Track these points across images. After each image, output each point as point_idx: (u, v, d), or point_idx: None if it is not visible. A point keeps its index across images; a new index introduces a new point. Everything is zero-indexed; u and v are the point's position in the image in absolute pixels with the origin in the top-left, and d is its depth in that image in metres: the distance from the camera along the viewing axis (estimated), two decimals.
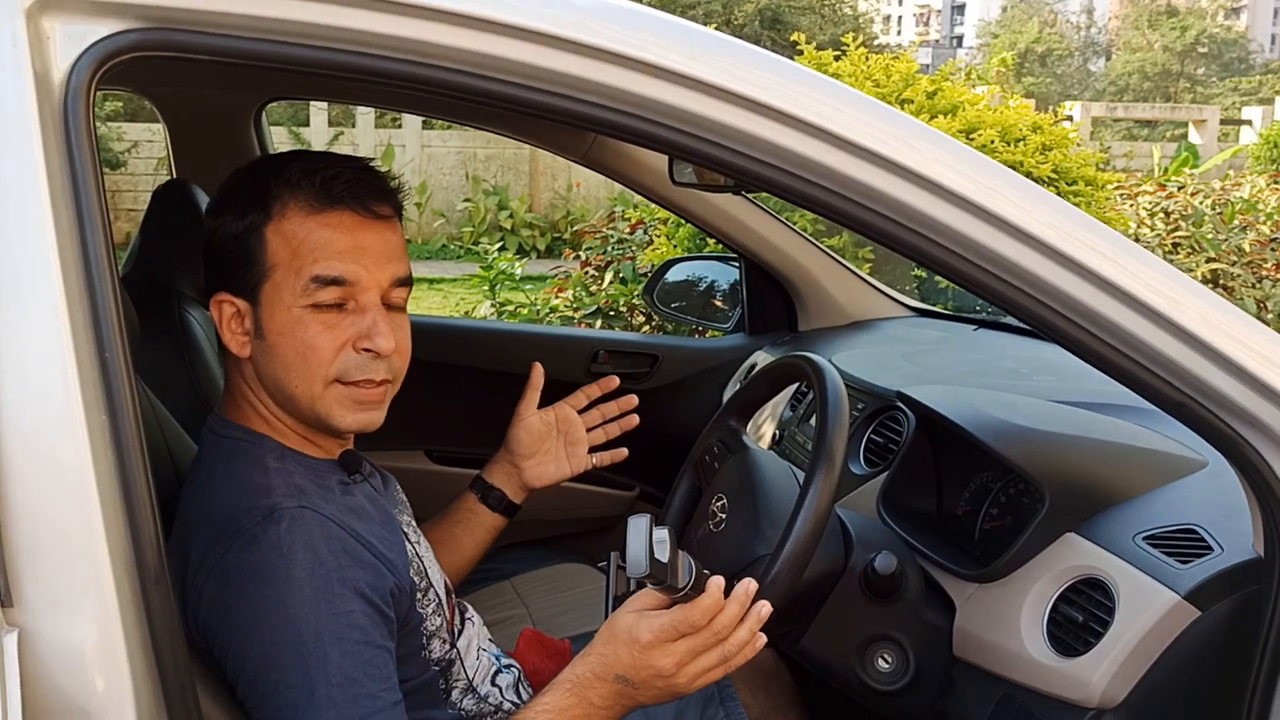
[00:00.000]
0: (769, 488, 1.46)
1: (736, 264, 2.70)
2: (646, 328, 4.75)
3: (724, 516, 1.46)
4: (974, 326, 2.38)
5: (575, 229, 7.11)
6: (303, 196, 1.23)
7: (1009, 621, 1.36)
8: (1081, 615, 1.29)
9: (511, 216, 11.83)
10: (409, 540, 1.32)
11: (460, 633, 1.40)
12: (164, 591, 0.99)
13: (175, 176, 2.30)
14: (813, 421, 1.99)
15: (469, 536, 1.59)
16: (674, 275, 2.82)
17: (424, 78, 1.05)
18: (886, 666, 1.43)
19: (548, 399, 2.66)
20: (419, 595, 1.30)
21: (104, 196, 1.01)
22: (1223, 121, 16.35)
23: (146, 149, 11.12)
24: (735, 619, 1.17)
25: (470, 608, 1.48)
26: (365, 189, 1.26)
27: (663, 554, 1.08)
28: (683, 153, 1.11)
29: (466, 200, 11.92)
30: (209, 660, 1.18)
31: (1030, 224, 1.11)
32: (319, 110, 11.84)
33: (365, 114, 12.06)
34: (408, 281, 1.29)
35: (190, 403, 1.60)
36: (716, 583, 1.17)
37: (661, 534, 1.08)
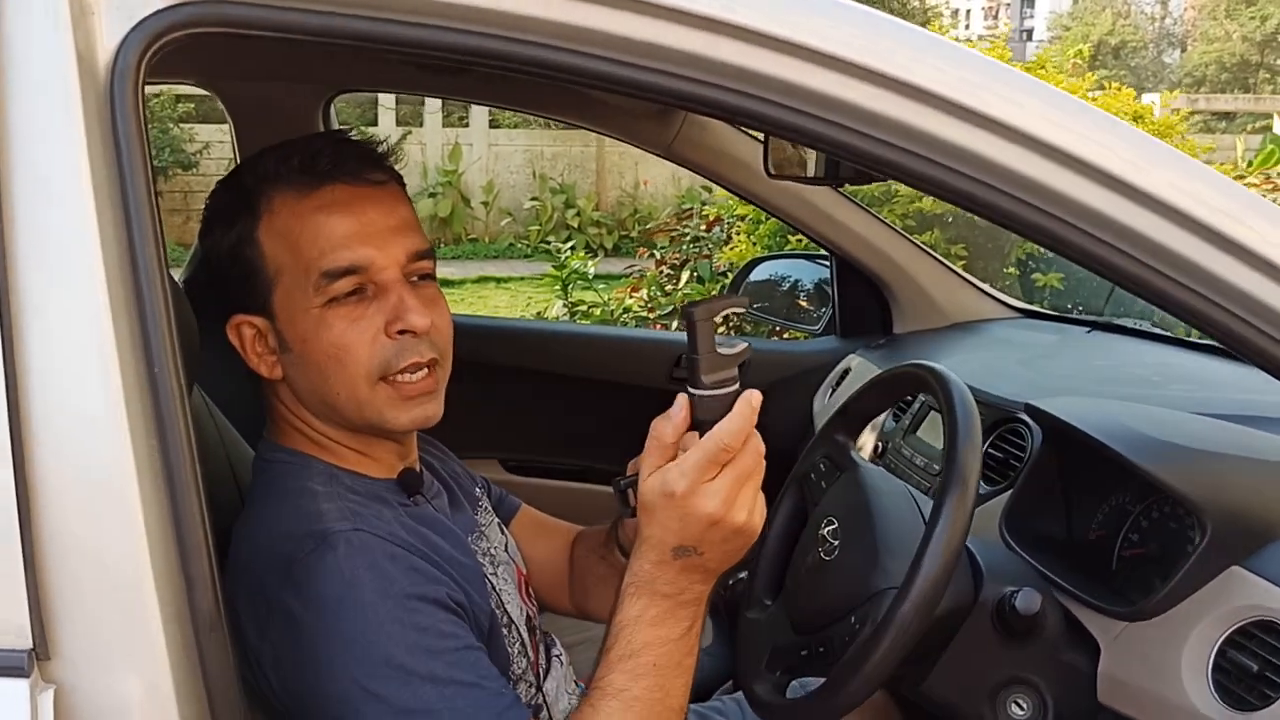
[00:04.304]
0: (886, 512, 1.31)
1: (825, 262, 2.55)
2: (722, 329, 4.61)
3: (836, 544, 1.31)
4: (1087, 329, 2.21)
5: (649, 227, 6.96)
6: (286, 184, 1.12)
7: (1167, 667, 1.20)
8: (1256, 663, 1.13)
9: (579, 215, 11.74)
10: (485, 572, 1.20)
11: (547, 673, 1.27)
12: (220, 640, 0.87)
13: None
14: (919, 433, 1.84)
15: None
16: (759, 274, 2.68)
17: (510, 54, 0.92)
18: (1021, 713, 1.28)
19: (628, 404, 2.53)
20: (504, 631, 1.17)
21: (154, 190, 0.89)
22: None
23: (219, 150, 11.18)
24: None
25: (557, 642, 1.35)
26: (352, 158, 1.14)
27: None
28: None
29: (534, 199, 11.85)
30: (274, 716, 1.06)
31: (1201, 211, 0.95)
32: (386, 110, 11.82)
33: (433, 113, 12.04)
34: (428, 254, 1.17)
35: (261, 415, 1.49)
36: (748, 397, 1.01)
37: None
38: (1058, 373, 1.88)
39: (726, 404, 1.01)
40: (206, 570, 0.86)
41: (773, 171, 1.76)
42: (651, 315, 4.75)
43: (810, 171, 1.65)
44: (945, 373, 1.29)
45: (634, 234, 11.53)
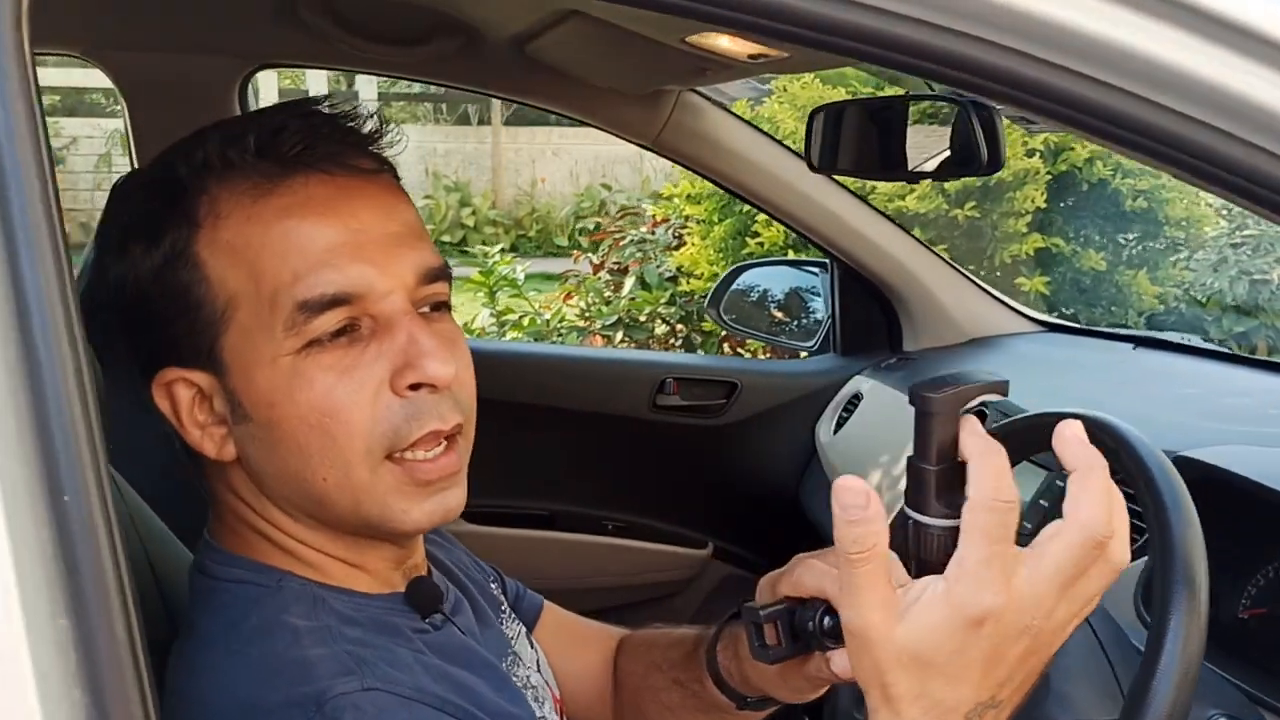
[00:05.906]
0: None
1: (815, 270, 2.26)
2: (673, 341, 4.21)
3: None
4: (1131, 344, 1.93)
5: (592, 228, 6.56)
6: (237, 177, 0.77)
7: None
8: None
9: (474, 214, 11.33)
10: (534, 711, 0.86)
11: None
12: None
13: (138, 168, 1.81)
14: None
15: None
16: (742, 283, 2.36)
17: None
18: None
19: (606, 434, 2.20)
20: None
21: (52, 183, 0.54)
22: None
23: (87, 145, 10.49)
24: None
25: None
26: (331, 137, 0.79)
27: None
28: None
29: (427, 197, 11.38)
30: None
31: None
32: None
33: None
34: (443, 274, 0.83)
35: (187, 491, 1.10)
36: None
37: None
38: (1149, 404, 1.58)
39: (954, 543, 0.66)
40: None
41: (817, 166, 1.45)
42: (591, 326, 4.35)
43: (880, 165, 1.34)
44: (1128, 432, 0.97)
45: (531, 234, 11.17)
